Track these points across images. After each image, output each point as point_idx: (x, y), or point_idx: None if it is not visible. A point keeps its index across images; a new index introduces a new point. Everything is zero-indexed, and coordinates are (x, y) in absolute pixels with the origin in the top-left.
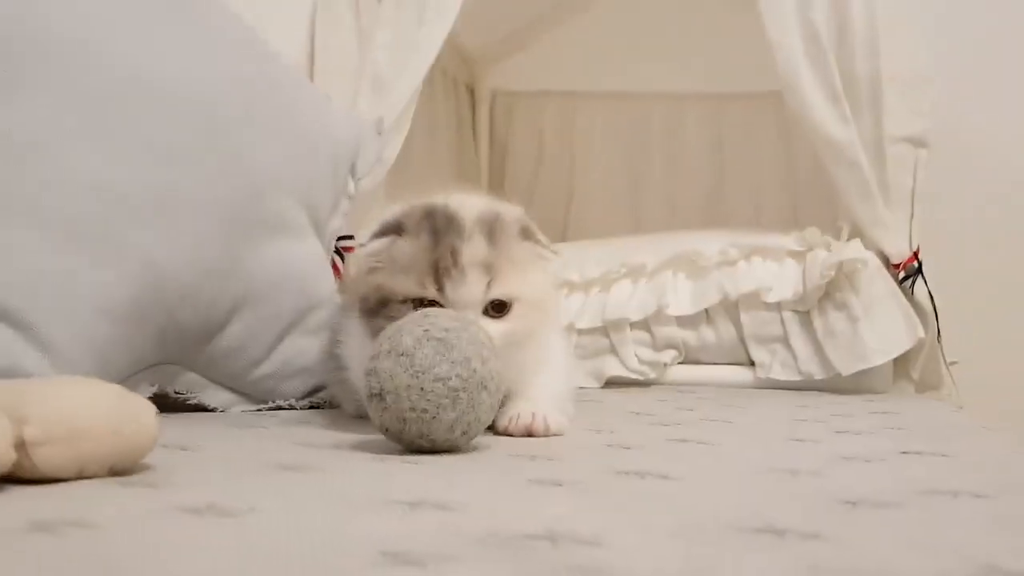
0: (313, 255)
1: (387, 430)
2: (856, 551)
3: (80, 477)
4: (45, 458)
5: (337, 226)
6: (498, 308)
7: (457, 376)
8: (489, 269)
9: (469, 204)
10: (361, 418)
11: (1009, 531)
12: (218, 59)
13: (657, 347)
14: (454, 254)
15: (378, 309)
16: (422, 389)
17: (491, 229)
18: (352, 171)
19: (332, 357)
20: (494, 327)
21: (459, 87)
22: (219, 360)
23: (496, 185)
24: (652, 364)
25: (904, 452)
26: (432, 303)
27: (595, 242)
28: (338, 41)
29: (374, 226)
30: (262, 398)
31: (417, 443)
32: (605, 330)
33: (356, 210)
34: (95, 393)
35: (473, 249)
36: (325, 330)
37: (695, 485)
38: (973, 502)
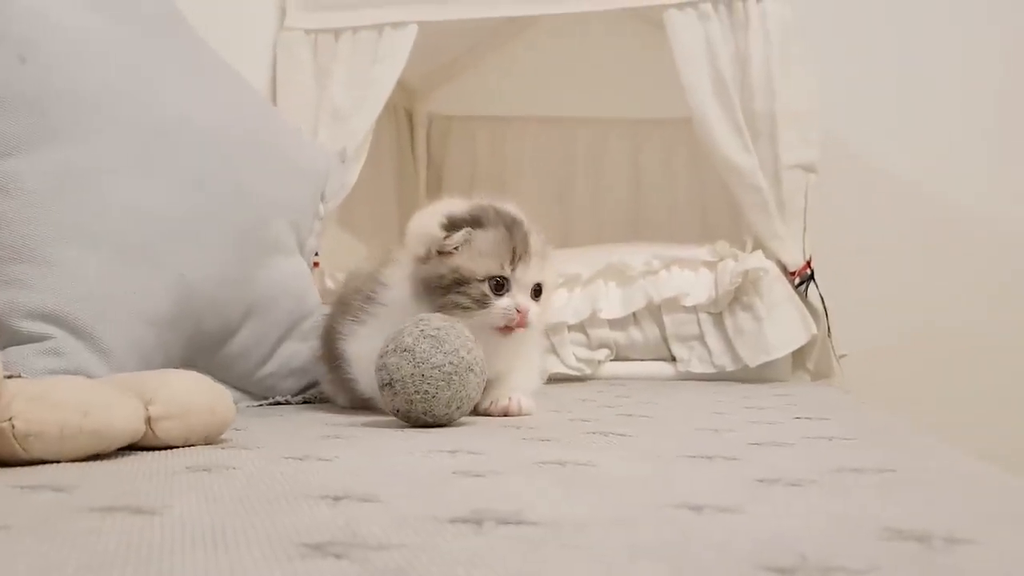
0: (302, 271)
1: (397, 411)
2: (759, 465)
3: (186, 445)
4: (164, 430)
5: (313, 245)
6: (537, 292)
7: (450, 363)
8: (539, 258)
9: (517, 209)
10: (353, 408)
11: (861, 450)
12: (226, 102)
13: (592, 346)
14: (525, 243)
15: (451, 287)
16: (423, 376)
17: (535, 228)
18: (322, 196)
19: (323, 359)
20: (534, 307)
21: (399, 112)
22: (230, 361)
23: None
24: (588, 361)
25: (797, 418)
26: (503, 280)
27: None
28: (298, 77)
29: (440, 219)
30: (263, 395)
31: (422, 419)
32: (546, 332)
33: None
34: (195, 381)
35: (534, 241)
36: (314, 336)
37: (647, 438)
38: (842, 442)
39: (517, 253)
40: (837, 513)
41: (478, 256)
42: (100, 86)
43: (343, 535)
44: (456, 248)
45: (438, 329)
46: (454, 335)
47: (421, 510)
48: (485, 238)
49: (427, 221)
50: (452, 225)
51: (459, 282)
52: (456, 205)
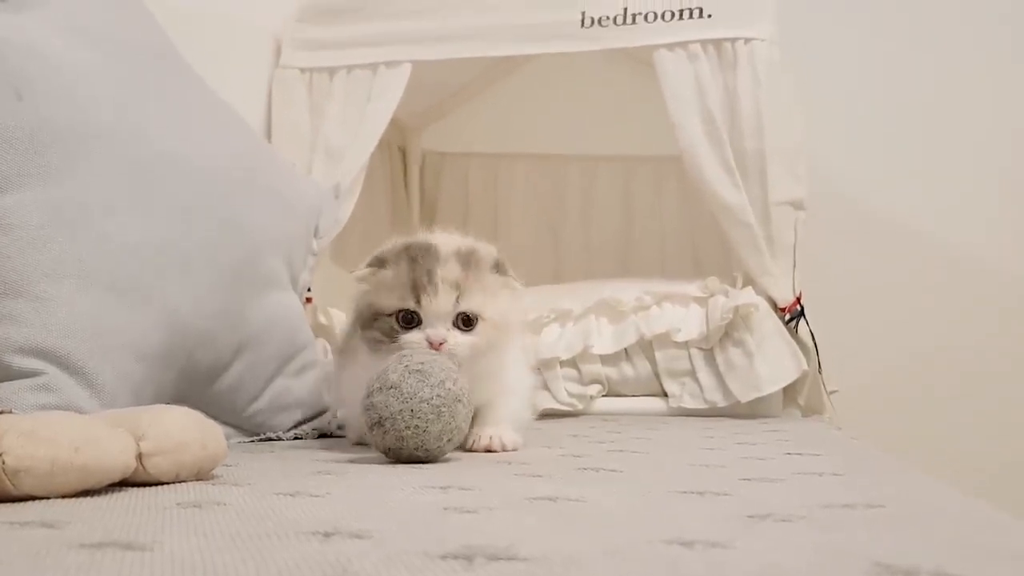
0: (294, 306)
1: (388, 450)
2: (750, 500)
3: (176, 481)
4: (155, 465)
5: (306, 280)
6: (466, 322)
7: (437, 396)
8: (458, 288)
9: (449, 239)
10: (361, 444)
11: (852, 488)
12: (220, 138)
13: (584, 382)
14: (430, 274)
15: (371, 322)
16: (412, 411)
17: (466, 259)
18: (315, 231)
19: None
20: (462, 338)
21: (392, 149)
22: (222, 397)
23: None
24: (580, 397)
25: (788, 453)
26: (413, 314)
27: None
28: (293, 115)
29: (368, 259)
30: (254, 431)
31: (415, 455)
32: (538, 368)
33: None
34: (188, 417)
35: (446, 271)
36: (308, 370)
37: (639, 473)
38: (832, 478)
39: (419, 284)
40: (827, 548)
41: (385, 291)
42: (95, 123)
43: (333, 571)
44: (369, 286)
45: (422, 363)
46: (438, 368)
47: (412, 546)
48: (388, 275)
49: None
50: (367, 265)
51: (375, 317)
52: (393, 242)
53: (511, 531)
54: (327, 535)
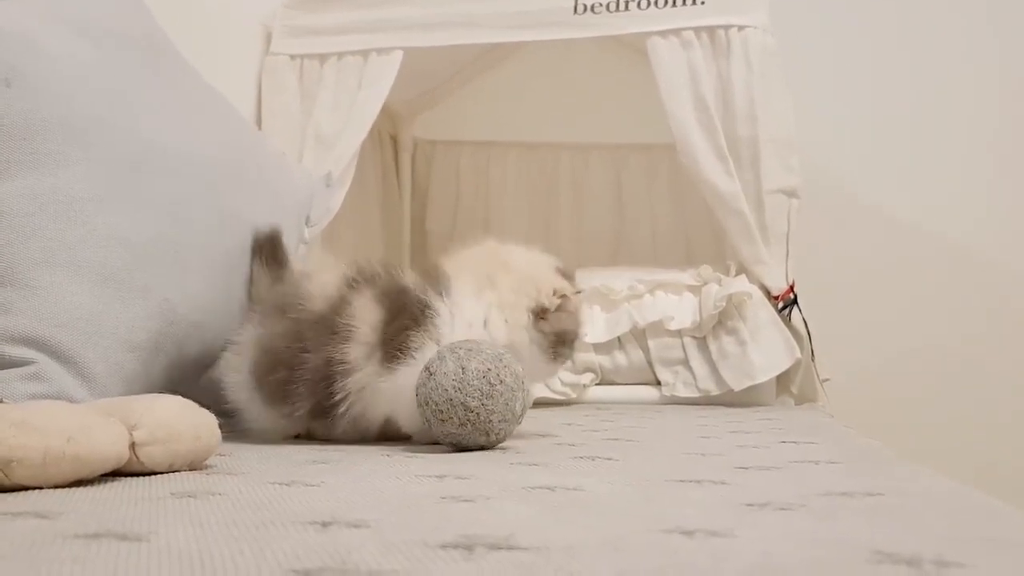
0: None
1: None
2: (747, 489)
3: (170, 471)
4: (148, 455)
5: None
6: None
7: (501, 432)
8: None
9: None
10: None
11: (850, 477)
12: (211, 129)
13: (577, 370)
14: None
15: (572, 344)
16: (468, 436)
17: None
18: (307, 220)
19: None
20: None
21: (383, 137)
22: (214, 386)
23: (418, 227)
24: (573, 386)
25: (783, 441)
26: None
27: None
28: (283, 102)
29: (554, 271)
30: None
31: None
32: None
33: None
34: (181, 406)
35: None
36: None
37: (634, 462)
38: (829, 466)
39: None
40: (827, 537)
41: (580, 313)
42: (85, 112)
43: (333, 561)
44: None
45: (513, 391)
46: (520, 398)
47: (411, 535)
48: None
49: (545, 271)
50: (570, 279)
51: (576, 339)
52: (545, 256)
53: (510, 520)
54: (325, 525)
